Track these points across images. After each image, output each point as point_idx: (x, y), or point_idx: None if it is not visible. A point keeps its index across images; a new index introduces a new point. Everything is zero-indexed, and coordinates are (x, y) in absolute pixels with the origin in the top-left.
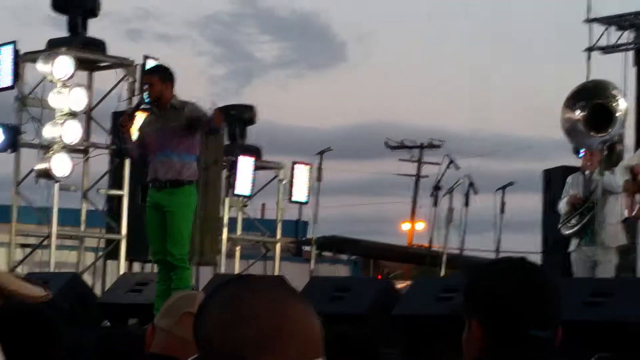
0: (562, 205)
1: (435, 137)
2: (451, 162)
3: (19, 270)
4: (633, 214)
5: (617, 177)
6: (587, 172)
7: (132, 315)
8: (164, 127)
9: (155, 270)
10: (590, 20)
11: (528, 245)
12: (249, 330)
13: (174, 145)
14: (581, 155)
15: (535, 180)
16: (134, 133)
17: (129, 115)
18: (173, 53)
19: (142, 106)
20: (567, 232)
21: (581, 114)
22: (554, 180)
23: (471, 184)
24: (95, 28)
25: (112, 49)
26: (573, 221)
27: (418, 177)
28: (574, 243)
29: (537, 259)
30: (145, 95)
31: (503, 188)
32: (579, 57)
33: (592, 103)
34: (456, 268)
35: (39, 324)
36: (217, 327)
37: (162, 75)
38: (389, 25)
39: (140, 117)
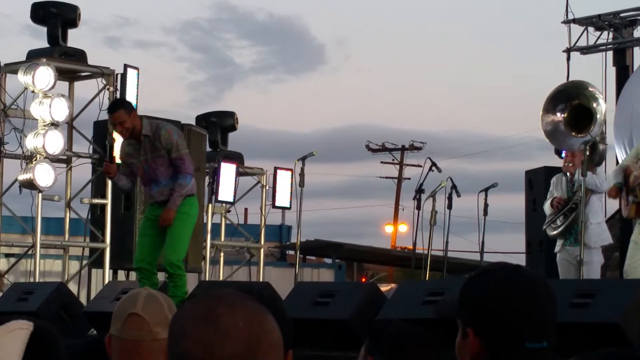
0: (547, 207)
1: (417, 139)
2: (433, 164)
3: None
4: (626, 214)
5: (611, 179)
6: (569, 173)
7: None
8: (149, 159)
9: None
10: (568, 21)
11: (512, 246)
12: (233, 346)
13: (163, 173)
14: (563, 156)
15: (517, 181)
16: (120, 164)
17: (109, 160)
18: (152, 60)
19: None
20: (552, 233)
21: (562, 115)
22: (536, 181)
23: (454, 187)
24: (74, 36)
25: (92, 57)
26: (557, 222)
27: (400, 179)
28: (558, 244)
29: (521, 259)
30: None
31: (486, 190)
32: (559, 57)
33: (572, 104)
34: (441, 270)
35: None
36: (199, 345)
37: (125, 107)
38: (368, 27)
39: (117, 144)
